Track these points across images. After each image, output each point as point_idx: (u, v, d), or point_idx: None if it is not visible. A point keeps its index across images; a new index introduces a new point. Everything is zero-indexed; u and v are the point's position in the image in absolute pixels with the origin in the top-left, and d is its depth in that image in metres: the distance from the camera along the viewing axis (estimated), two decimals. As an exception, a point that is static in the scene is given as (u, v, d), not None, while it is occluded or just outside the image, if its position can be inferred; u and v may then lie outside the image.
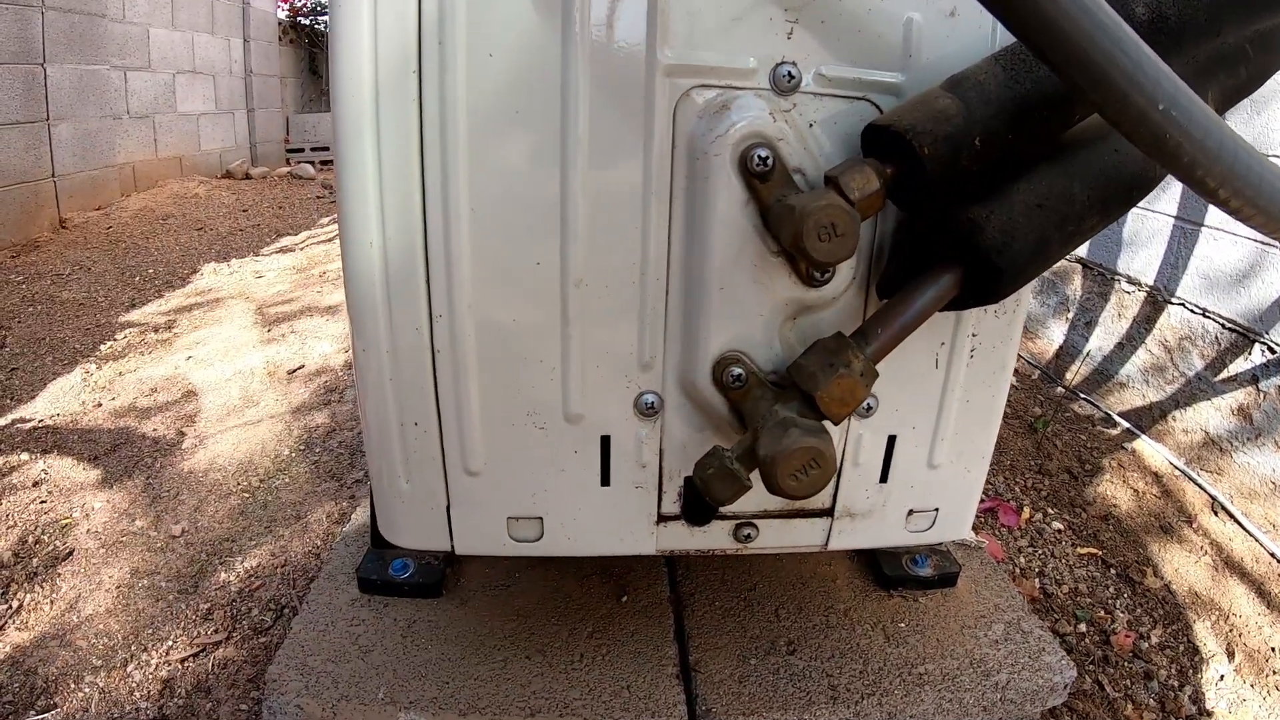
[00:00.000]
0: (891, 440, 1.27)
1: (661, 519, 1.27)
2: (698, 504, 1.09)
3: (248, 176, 8.85)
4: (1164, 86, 0.76)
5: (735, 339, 1.10)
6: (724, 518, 1.28)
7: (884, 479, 1.30)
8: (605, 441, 1.20)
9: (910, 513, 1.35)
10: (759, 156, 0.99)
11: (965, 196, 0.97)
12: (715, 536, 1.30)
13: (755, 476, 1.00)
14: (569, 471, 1.22)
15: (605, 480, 1.23)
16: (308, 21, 11.81)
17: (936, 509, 1.36)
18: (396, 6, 1.00)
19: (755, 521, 1.29)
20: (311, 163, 9.95)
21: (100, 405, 3.19)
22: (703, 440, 1.20)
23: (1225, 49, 1.15)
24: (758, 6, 1.01)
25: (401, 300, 1.12)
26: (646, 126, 1.04)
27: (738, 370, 1.09)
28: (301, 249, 5.95)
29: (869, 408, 1.22)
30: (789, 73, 1.03)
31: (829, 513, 1.31)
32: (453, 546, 1.30)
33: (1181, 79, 1.09)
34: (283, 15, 11.08)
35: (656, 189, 1.06)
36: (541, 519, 1.26)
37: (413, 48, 1.02)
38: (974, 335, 1.21)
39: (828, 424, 1.00)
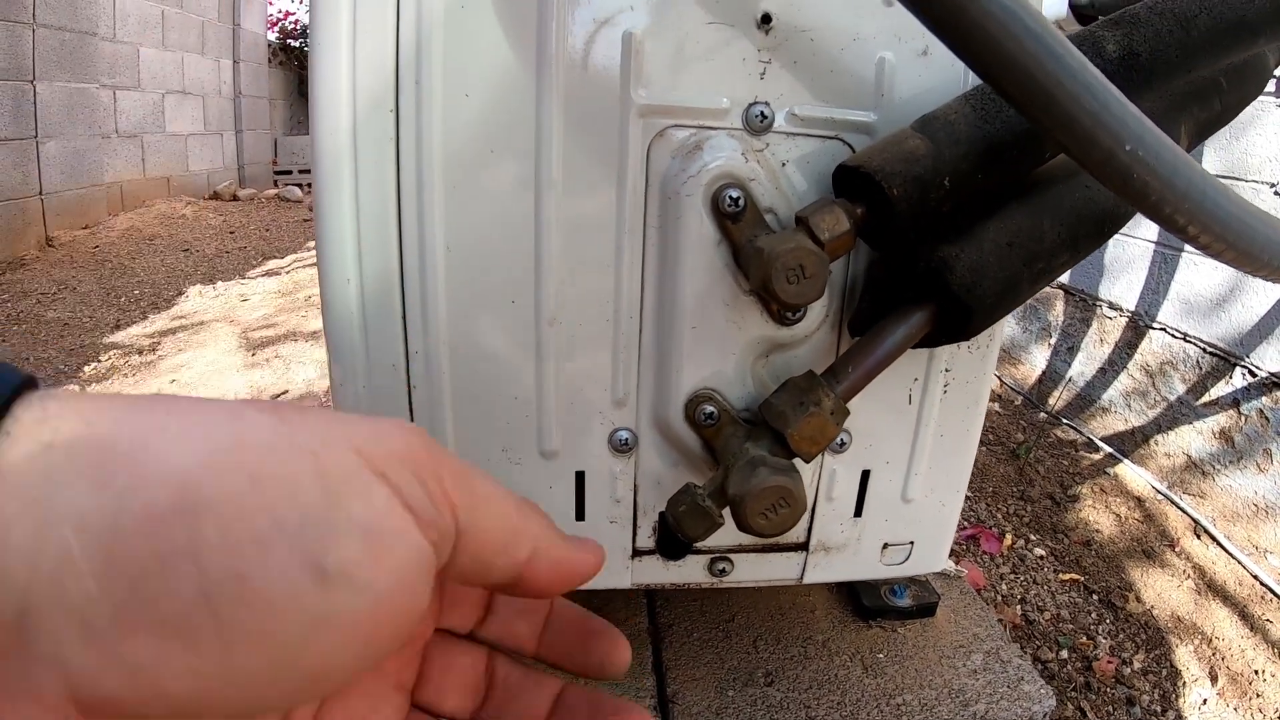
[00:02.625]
0: (865, 475, 1.27)
1: (636, 553, 1.27)
2: (671, 539, 1.09)
3: (235, 198, 8.84)
4: (1130, 126, 0.77)
5: (708, 377, 1.11)
6: (699, 552, 1.28)
7: (858, 513, 1.30)
8: (580, 477, 1.20)
9: (885, 546, 1.35)
10: (730, 197, 0.99)
11: (935, 236, 0.98)
12: (690, 571, 1.30)
13: (728, 513, 1.00)
14: (544, 507, 1.20)
15: (580, 515, 1.22)
16: (298, 44, 11.84)
17: (911, 542, 1.36)
18: (374, 45, 1.00)
19: (730, 556, 1.29)
20: (299, 185, 9.95)
21: (83, 428, 3.17)
22: (677, 476, 1.20)
23: (1199, 82, 1.16)
24: (731, 46, 1.02)
25: (378, 337, 1.11)
26: (620, 166, 1.04)
27: (710, 408, 1.09)
28: (287, 272, 5.95)
29: (842, 443, 1.23)
30: (762, 113, 1.04)
31: (804, 547, 1.31)
32: (429, 580, 1.30)
33: (1155, 112, 1.11)
34: (273, 37, 11.12)
35: (630, 228, 1.06)
36: (517, 553, 1.25)
37: (390, 86, 1.02)
38: (947, 370, 1.22)
39: (807, 458, 1.00)
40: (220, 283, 5.55)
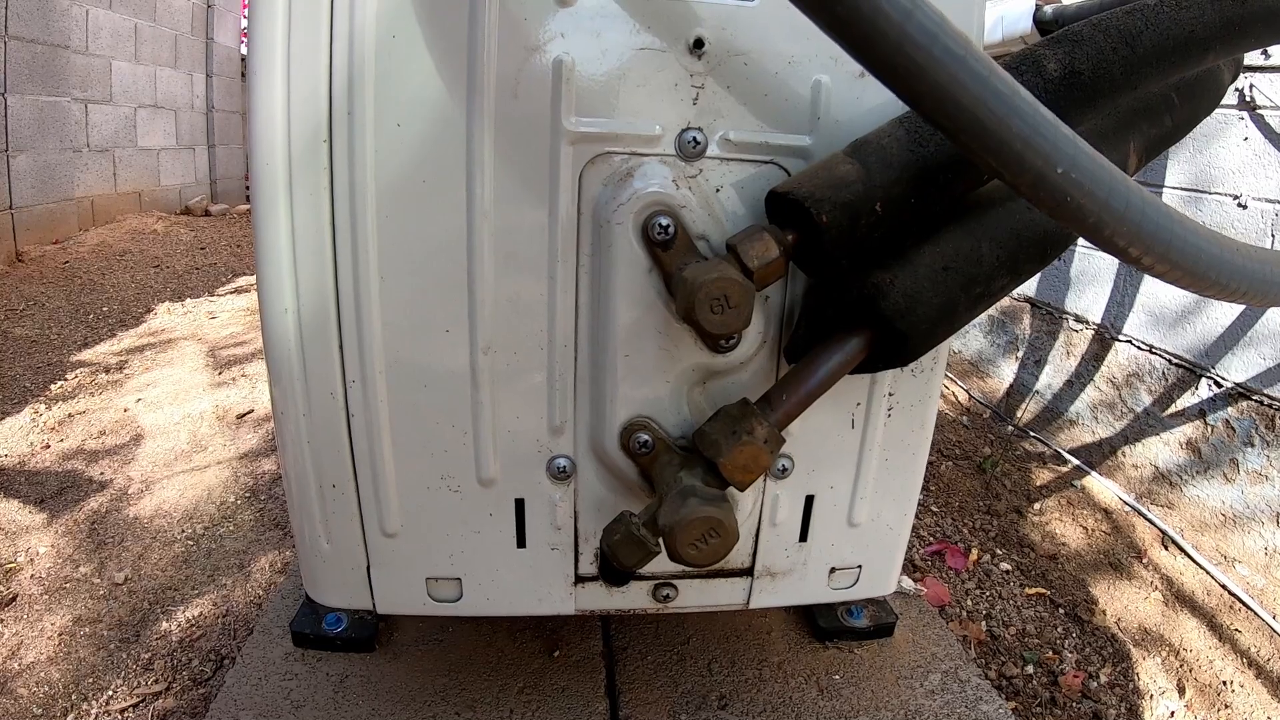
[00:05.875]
0: (809, 500, 1.26)
1: (579, 579, 1.26)
2: (612, 566, 1.09)
3: (207, 213, 8.76)
4: (1063, 149, 0.75)
5: (642, 405, 1.10)
6: (643, 578, 1.27)
7: (803, 538, 1.29)
8: (519, 504, 1.19)
9: (832, 570, 1.35)
10: (660, 225, 0.99)
11: (870, 260, 0.97)
12: (635, 596, 1.29)
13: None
14: (485, 534, 1.20)
15: (521, 542, 1.22)
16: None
17: (859, 566, 1.36)
18: (307, 76, 1.00)
19: (674, 581, 1.28)
20: (275, 197, 9.86)
21: (49, 447, 3.14)
22: (617, 503, 1.19)
23: (1149, 99, 1.16)
24: (663, 72, 1.02)
25: (316, 366, 1.11)
26: (552, 195, 1.04)
27: (645, 436, 1.08)
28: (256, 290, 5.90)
29: (784, 469, 1.22)
30: (694, 138, 1.03)
31: (749, 572, 1.31)
32: (374, 606, 1.29)
33: (1101, 130, 1.11)
34: (246, 51, 11.07)
35: (563, 256, 1.06)
36: (460, 580, 1.25)
37: (323, 117, 1.02)
38: (891, 394, 1.21)
39: (741, 486, 0.99)
40: (189, 300, 5.50)
